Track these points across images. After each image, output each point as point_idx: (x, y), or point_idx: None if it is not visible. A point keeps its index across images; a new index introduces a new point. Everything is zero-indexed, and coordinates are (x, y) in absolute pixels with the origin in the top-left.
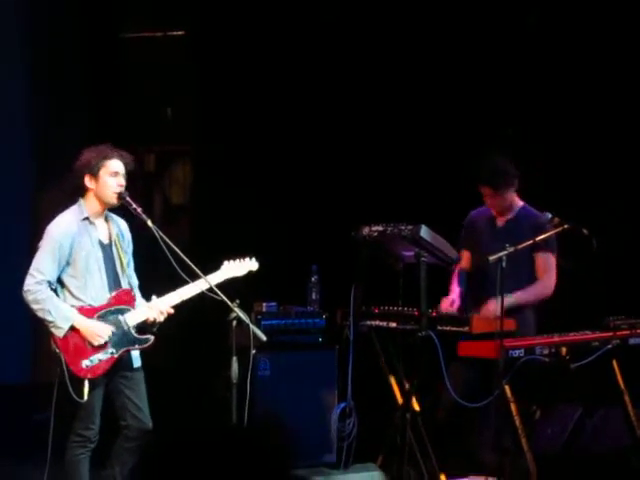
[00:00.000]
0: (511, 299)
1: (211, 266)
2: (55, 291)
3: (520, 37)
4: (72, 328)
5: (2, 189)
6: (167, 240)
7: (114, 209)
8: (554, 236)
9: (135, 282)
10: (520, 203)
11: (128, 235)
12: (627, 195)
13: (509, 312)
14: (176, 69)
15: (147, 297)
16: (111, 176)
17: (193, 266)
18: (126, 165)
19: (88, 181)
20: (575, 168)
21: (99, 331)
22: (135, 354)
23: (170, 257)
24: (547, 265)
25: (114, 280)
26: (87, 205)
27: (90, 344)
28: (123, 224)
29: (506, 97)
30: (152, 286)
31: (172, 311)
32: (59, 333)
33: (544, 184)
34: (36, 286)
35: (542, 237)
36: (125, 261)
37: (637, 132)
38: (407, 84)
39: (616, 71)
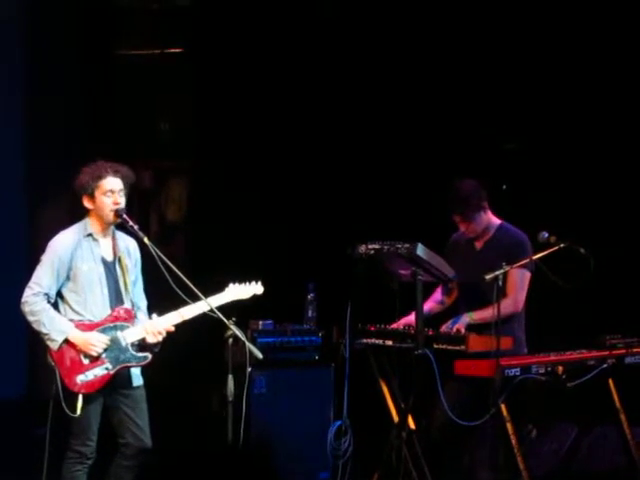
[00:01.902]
0: (472, 317)
1: (207, 284)
2: (56, 305)
3: (518, 54)
4: (68, 342)
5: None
6: (164, 258)
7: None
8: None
9: (143, 303)
10: (497, 222)
11: (136, 254)
12: (625, 214)
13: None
14: (174, 86)
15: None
16: (106, 195)
17: (190, 284)
18: (124, 180)
19: (86, 202)
20: (573, 186)
21: (94, 340)
22: (135, 372)
23: (167, 275)
24: (520, 282)
25: (116, 297)
26: (91, 223)
27: (86, 357)
28: (132, 243)
29: (506, 113)
30: (156, 304)
31: (172, 329)
32: (54, 346)
33: (542, 202)
34: (33, 298)
35: (538, 256)
36: (129, 279)
37: (635, 153)
38: (404, 101)
39: (614, 85)
